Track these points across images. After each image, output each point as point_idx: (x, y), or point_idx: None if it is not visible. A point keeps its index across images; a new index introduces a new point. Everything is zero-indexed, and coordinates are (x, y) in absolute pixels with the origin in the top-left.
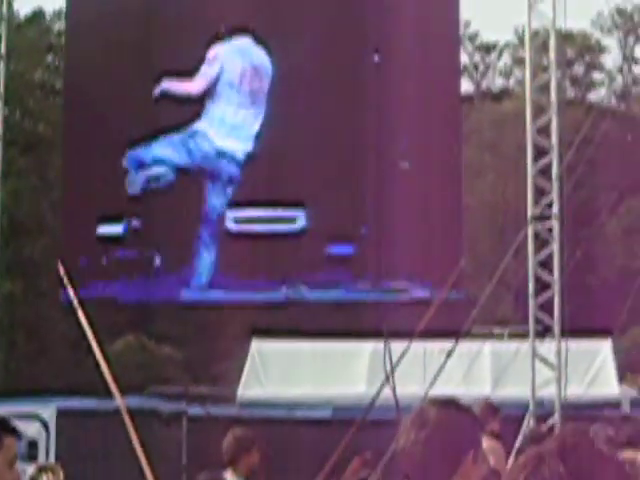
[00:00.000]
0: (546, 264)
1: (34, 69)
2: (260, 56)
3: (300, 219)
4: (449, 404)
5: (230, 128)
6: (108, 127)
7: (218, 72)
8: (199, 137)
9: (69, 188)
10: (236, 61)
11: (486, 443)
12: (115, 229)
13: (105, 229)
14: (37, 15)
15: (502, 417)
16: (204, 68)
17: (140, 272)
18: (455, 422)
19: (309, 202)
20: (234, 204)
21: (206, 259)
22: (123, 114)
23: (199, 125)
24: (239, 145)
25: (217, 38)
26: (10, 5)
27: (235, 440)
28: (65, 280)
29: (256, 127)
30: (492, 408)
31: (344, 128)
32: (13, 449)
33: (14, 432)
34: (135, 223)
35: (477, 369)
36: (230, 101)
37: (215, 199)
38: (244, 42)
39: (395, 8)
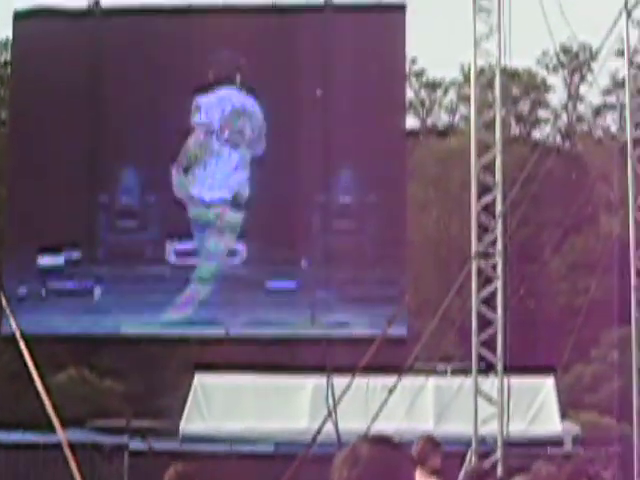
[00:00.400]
0: (489, 301)
1: None
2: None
3: (240, 253)
4: (382, 441)
5: None
6: (53, 159)
7: None
8: None
9: (11, 218)
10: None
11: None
12: (55, 260)
13: (45, 260)
14: None
15: (444, 453)
16: None
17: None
18: (388, 459)
19: (250, 236)
20: (175, 236)
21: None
22: (68, 147)
23: None
24: None
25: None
26: None
27: (176, 475)
28: (7, 311)
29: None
30: (433, 443)
31: (289, 162)
32: None
33: None
34: (75, 254)
35: (420, 405)
36: None
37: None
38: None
39: (339, 44)
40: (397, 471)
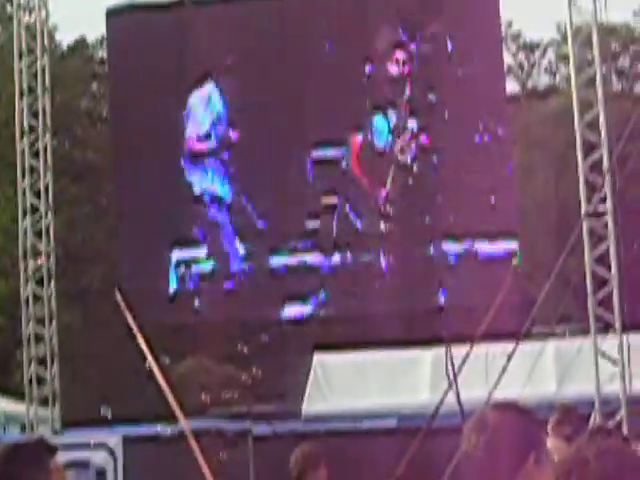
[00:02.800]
0: (603, 259)
1: (79, 98)
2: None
3: None
4: (508, 407)
5: None
6: (157, 148)
7: None
8: None
9: (124, 214)
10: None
11: (558, 445)
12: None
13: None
14: (79, 44)
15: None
16: None
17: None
18: (515, 424)
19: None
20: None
21: None
22: (170, 136)
23: None
24: None
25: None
26: (52, 36)
27: (302, 456)
28: (123, 307)
29: None
30: (567, 411)
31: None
32: (61, 473)
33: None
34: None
35: (540, 369)
36: None
37: None
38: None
39: (436, 11)
40: (524, 435)
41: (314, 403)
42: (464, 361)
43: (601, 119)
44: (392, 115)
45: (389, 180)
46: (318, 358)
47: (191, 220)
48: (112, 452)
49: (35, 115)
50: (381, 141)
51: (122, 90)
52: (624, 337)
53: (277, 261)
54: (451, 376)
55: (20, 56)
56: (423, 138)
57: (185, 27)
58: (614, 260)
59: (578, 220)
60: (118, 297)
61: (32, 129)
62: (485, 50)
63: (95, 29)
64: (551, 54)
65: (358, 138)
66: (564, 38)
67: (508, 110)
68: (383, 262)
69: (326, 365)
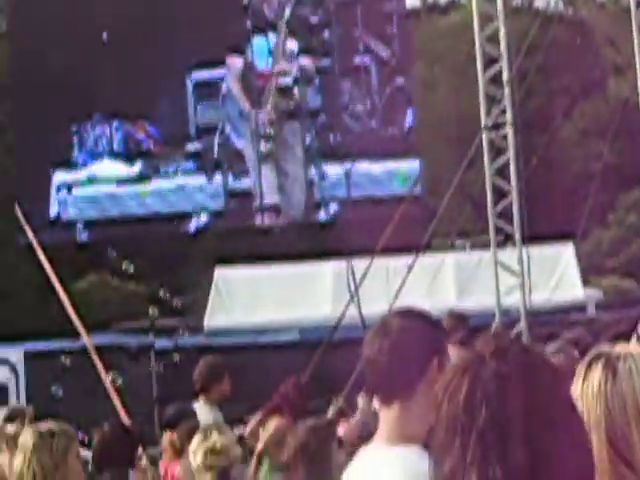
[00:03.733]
0: (503, 172)
1: None
2: None
3: None
4: (411, 313)
5: None
6: (75, 65)
7: None
8: None
9: (21, 133)
10: None
11: (452, 351)
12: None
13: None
14: None
15: (469, 327)
16: None
17: None
18: (418, 329)
19: None
20: None
21: None
22: (72, 59)
23: None
24: None
25: None
26: None
27: (206, 368)
28: (23, 222)
29: None
30: (459, 318)
31: None
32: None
33: None
34: None
35: (441, 281)
36: None
37: None
38: None
39: None
40: (428, 340)
41: (216, 317)
42: (365, 274)
43: (501, 33)
44: (272, 37)
45: (269, 102)
46: (219, 272)
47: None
48: (14, 368)
49: None
50: (261, 63)
51: (24, 6)
52: (524, 249)
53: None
54: (353, 289)
55: None
56: (304, 59)
57: None
58: (514, 172)
59: (478, 133)
60: (18, 212)
61: None
62: None
63: None
64: None
65: (238, 60)
66: None
67: (391, 31)
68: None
69: (227, 280)
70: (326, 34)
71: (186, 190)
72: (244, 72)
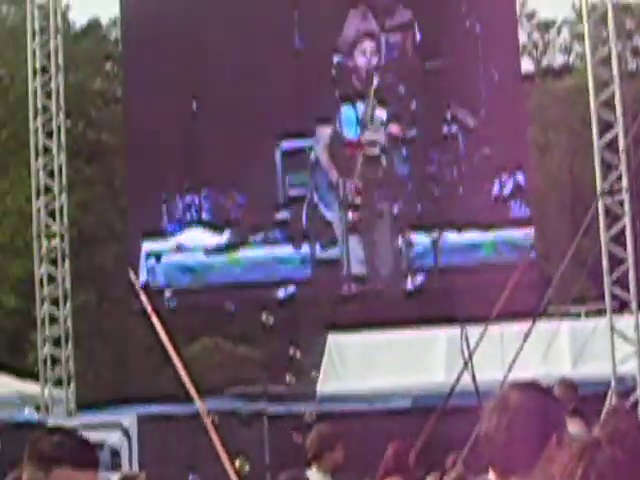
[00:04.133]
0: (619, 239)
1: (93, 78)
2: None
3: None
4: (530, 387)
5: None
6: (169, 132)
7: None
8: None
9: (133, 195)
10: None
11: (571, 425)
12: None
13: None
14: (93, 25)
15: (583, 395)
16: None
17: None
18: (537, 405)
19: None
20: None
21: None
22: (177, 123)
23: None
24: None
25: None
26: (65, 17)
27: (319, 437)
28: (137, 287)
29: None
30: (570, 387)
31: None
32: None
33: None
34: None
35: (556, 349)
36: None
37: None
38: None
39: None
40: (546, 416)
41: (329, 383)
42: (479, 341)
43: (616, 97)
44: (360, 106)
45: (357, 171)
46: (332, 338)
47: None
48: (126, 432)
49: (48, 95)
50: (350, 132)
51: (136, 70)
52: None
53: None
54: (466, 356)
55: (33, 36)
56: (392, 128)
57: (199, 9)
58: (630, 239)
59: (593, 199)
60: (132, 277)
61: (45, 109)
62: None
63: (108, 10)
64: (566, 33)
65: (327, 129)
66: (579, 16)
67: (479, 100)
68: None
69: (340, 345)
70: (414, 103)
71: (274, 259)
72: (332, 141)
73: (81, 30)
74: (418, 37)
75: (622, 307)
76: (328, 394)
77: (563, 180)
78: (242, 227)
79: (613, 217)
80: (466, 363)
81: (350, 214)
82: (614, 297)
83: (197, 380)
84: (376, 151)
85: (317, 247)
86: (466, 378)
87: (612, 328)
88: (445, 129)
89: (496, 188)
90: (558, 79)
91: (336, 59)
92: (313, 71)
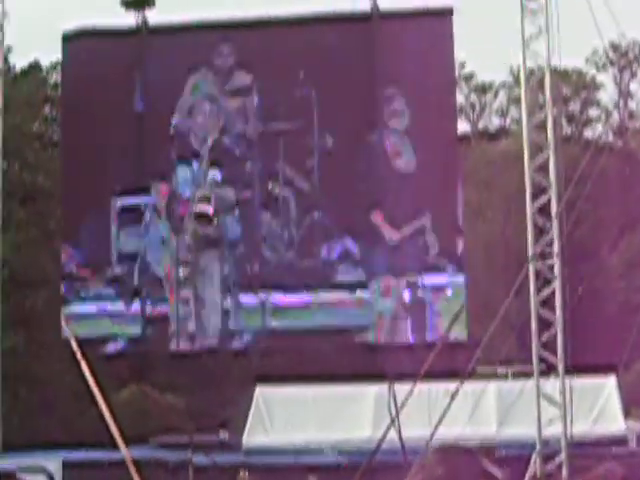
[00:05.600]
0: (548, 302)
1: (31, 121)
2: None
3: None
4: (452, 449)
5: None
6: (104, 176)
7: None
8: None
9: (68, 238)
10: None
11: None
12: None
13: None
14: (33, 67)
15: (507, 456)
16: None
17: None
18: (460, 467)
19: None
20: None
21: None
22: (118, 163)
23: None
24: None
25: None
26: (6, 59)
27: None
28: (69, 332)
29: None
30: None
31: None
32: None
33: None
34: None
35: (482, 409)
36: None
37: None
38: None
39: (388, 51)
40: (461, 474)
41: (255, 435)
42: (407, 399)
43: (551, 163)
44: (196, 166)
45: (189, 229)
46: (260, 391)
47: None
48: (51, 476)
49: None
50: (185, 191)
51: (74, 115)
52: (566, 380)
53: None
54: (394, 413)
55: None
56: (226, 189)
57: (141, 55)
58: (559, 303)
59: (525, 262)
60: (63, 323)
61: None
62: None
63: (49, 53)
64: (503, 96)
65: (163, 187)
66: (517, 80)
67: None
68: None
69: (268, 398)
70: (248, 165)
71: (106, 314)
72: (167, 199)
73: (21, 72)
74: (257, 101)
75: (549, 370)
76: (253, 446)
77: (495, 241)
78: (75, 281)
79: (543, 280)
80: (393, 420)
81: (181, 271)
82: (542, 360)
83: (124, 427)
84: (209, 210)
85: (148, 303)
86: (393, 434)
87: (539, 391)
88: (277, 192)
89: (324, 252)
90: (494, 142)
91: (175, 120)
92: (152, 131)
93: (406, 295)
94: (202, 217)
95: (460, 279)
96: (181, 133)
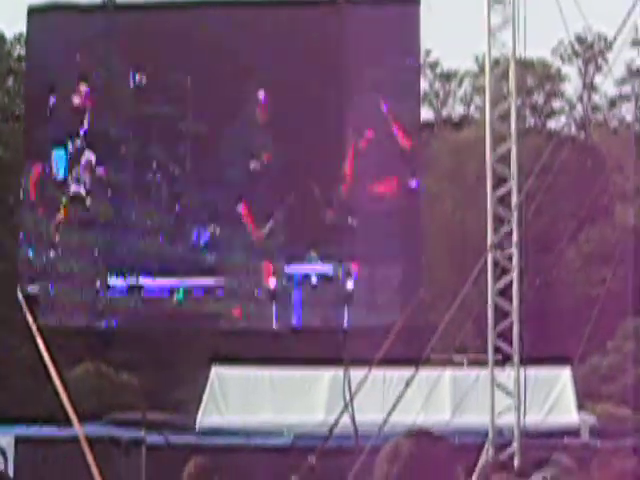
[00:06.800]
0: (506, 292)
1: None
2: None
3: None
4: (422, 435)
5: None
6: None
7: None
8: None
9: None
10: None
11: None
12: None
13: None
14: None
15: (460, 444)
16: None
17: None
18: (430, 453)
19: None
20: None
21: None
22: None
23: None
24: None
25: None
26: None
27: (195, 469)
28: (24, 308)
29: None
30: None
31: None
32: None
33: None
34: None
35: (437, 396)
36: None
37: None
38: None
39: (354, 37)
40: (439, 465)
41: (209, 416)
42: (361, 384)
43: (513, 153)
44: (70, 147)
45: (61, 211)
46: (215, 371)
47: None
48: (3, 452)
49: None
50: (59, 172)
51: (38, 90)
52: (521, 370)
53: None
54: (348, 398)
55: None
56: (99, 171)
57: (106, 32)
58: (516, 294)
59: (483, 251)
60: (20, 298)
61: None
62: None
63: (13, 25)
64: (467, 85)
65: (38, 168)
66: (481, 69)
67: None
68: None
69: (223, 378)
70: (123, 148)
71: None
72: (40, 179)
73: None
74: (136, 81)
75: (504, 360)
76: (207, 426)
77: (454, 230)
78: None
79: (501, 270)
80: (347, 405)
81: (51, 253)
82: (497, 350)
83: (77, 405)
84: (81, 191)
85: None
86: (346, 419)
87: (493, 380)
88: (150, 176)
89: (193, 238)
90: (456, 130)
91: (52, 100)
92: (31, 111)
93: (272, 282)
94: (73, 199)
95: (326, 268)
96: (56, 113)
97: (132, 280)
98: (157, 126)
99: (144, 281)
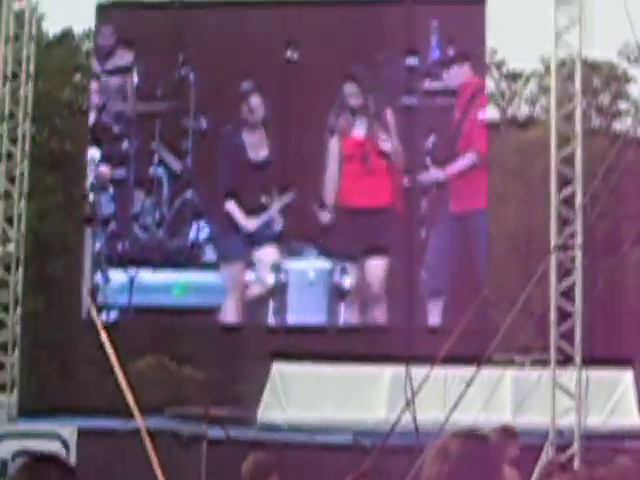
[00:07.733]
0: (569, 293)
1: (62, 88)
2: None
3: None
4: (470, 436)
5: None
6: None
7: None
8: None
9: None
10: None
11: (506, 472)
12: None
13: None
14: (66, 35)
15: (521, 444)
16: None
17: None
18: (477, 454)
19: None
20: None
21: None
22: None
23: None
24: None
25: None
26: (39, 25)
27: (255, 464)
28: (89, 303)
29: None
30: (511, 433)
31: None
32: None
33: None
34: None
35: (498, 396)
36: None
37: None
38: None
39: (420, 36)
40: (486, 465)
41: (270, 411)
42: (423, 382)
43: (578, 154)
44: None
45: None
46: (277, 367)
47: None
48: (65, 443)
49: (17, 102)
50: None
51: (105, 84)
52: (583, 372)
53: None
54: (409, 396)
55: (6, 42)
56: (101, 167)
57: (175, 28)
58: (579, 295)
59: (546, 252)
60: (84, 289)
61: (12, 115)
62: None
63: (82, 21)
64: (533, 85)
65: None
66: (547, 70)
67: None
68: None
69: (284, 374)
70: (125, 144)
71: None
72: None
73: (54, 39)
74: (136, 80)
75: (566, 361)
76: (268, 422)
77: (519, 231)
78: None
79: (564, 271)
80: (408, 403)
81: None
82: (559, 350)
83: (139, 397)
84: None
85: None
86: (408, 417)
87: (555, 381)
88: (152, 172)
89: (193, 233)
90: (522, 130)
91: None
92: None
93: (270, 278)
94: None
95: (322, 264)
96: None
97: (132, 273)
98: (160, 123)
99: (144, 275)
